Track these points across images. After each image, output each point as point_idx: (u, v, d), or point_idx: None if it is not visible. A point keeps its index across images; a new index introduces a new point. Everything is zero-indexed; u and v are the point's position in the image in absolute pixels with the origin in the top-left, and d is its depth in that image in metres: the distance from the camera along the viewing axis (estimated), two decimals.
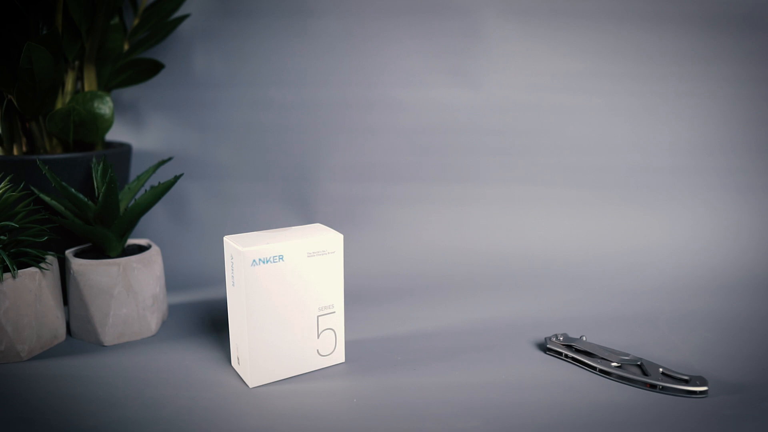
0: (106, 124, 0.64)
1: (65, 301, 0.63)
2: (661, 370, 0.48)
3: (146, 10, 0.73)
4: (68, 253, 0.57)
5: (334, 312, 0.50)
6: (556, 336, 0.54)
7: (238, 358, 0.48)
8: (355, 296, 0.68)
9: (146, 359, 0.52)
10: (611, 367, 0.49)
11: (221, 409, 0.44)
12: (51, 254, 0.55)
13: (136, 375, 0.49)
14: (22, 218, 0.54)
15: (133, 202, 0.63)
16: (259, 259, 0.45)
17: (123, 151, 0.68)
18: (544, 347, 0.55)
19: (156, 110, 0.86)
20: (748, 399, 0.45)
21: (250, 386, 0.47)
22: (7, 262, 0.49)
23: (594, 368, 0.49)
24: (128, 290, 0.55)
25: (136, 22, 0.73)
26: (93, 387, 0.47)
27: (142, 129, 0.87)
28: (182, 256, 0.80)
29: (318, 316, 0.49)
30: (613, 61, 0.79)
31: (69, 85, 0.68)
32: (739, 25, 0.77)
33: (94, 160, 0.61)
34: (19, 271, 0.51)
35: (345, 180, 0.85)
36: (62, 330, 0.56)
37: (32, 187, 0.59)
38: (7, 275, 0.50)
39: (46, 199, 0.58)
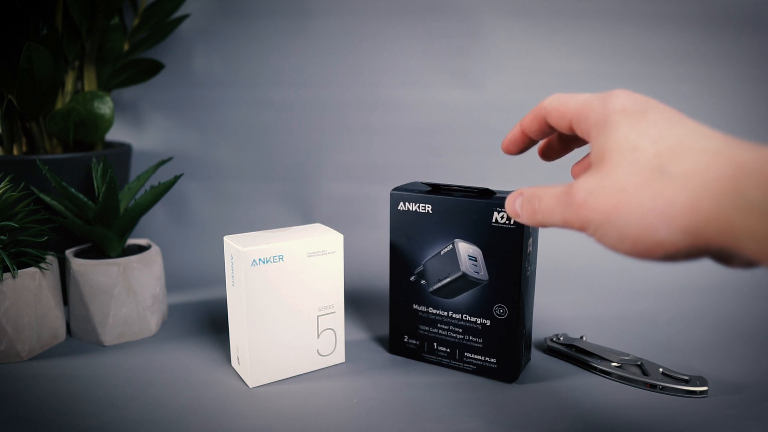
0: (106, 124, 0.64)
1: (65, 301, 0.63)
2: (661, 370, 0.48)
3: (146, 10, 0.73)
4: (68, 253, 0.57)
5: (334, 312, 0.50)
6: (556, 336, 0.54)
7: (238, 358, 0.48)
8: (355, 296, 0.68)
9: (146, 359, 0.52)
10: (611, 367, 0.49)
11: (221, 409, 0.44)
12: (51, 254, 0.55)
13: (136, 375, 0.49)
14: (22, 218, 0.54)
15: (133, 202, 0.63)
16: (259, 259, 0.45)
17: (123, 151, 0.68)
18: (544, 347, 0.55)
19: (156, 110, 0.86)
20: (748, 399, 0.45)
21: (250, 386, 0.47)
22: (7, 262, 0.49)
23: (594, 368, 0.49)
24: (128, 290, 0.55)
25: (136, 22, 0.73)
26: (93, 387, 0.47)
27: (142, 129, 0.87)
28: (182, 256, 0.80)
29: (318, 316, 0.49)
30: (613, 61, 0.79)
31: (69, 85, 0.68)
32: (739, 25, 0.77)
33: (94, 160, 0.61)
34: (19, 271, 0.51)
35: (345, 180, 0.85)
36: (62, 330, 0.56)
37: (32, 187, 0.59)
38: (7, 275, 0.50)
39: (46, 199, 0.58)
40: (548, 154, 0.40)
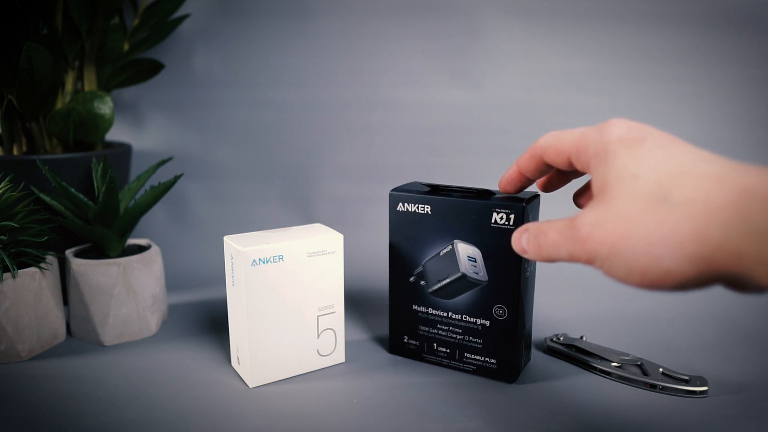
0: (106, 124, 0.64)
1: (65, 301, 0.63)
2: (661, 370, 0.48)
3: (146, 10, 0.73)
4: (68, 253, 0.57)
5: (334, 312, 0.50)
6: (556, 336, 0.54)
7: (238, 358, 0.49)
8: (355, 296, 0.68)
9: (146, 359, 0.52)
10: (611, 367, 0.49)
11: (221, 409, 0.44)
12: (51, 254, 0.55)
13: (136, 375, 0.49)
14: (22, 218, 0.54)
15: (133, 202, 0.63)
16: (259, 259, 0.45)
17: (123, 151, 0.68)
18: (544, 347, 0.55)
19: (156, 110, 0.86)
20: (748, 399, 0.45)
21: (250, 386, 0.47)
22: (7, 262, 0.49)
23: (594, 368, 0.49)
24: (128, 290, 0.55)
25: (136, 22, 0.73)
26: (93, 387, 0.47)
27: (142, 129, 0.87)
28: (182, 256, 0.80)
29: (318, 316, 0.49)
30: (613, 61, 0.79)
31: (69, 85, 0.68)
32: (739, 25, 0.77)
33: (94, 160, 0.61)
34: (19, 271, 0.51)
35: (345, 180, 0.85)
36: (62, 330, 0.56)
37: (32, 187, 0.59)
38: (7, 275, 0.50)
39: (46, 199, 0.58)
40: (548, 188, 0.40)
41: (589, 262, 0.29)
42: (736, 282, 0.26)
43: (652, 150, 0.29)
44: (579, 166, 0.33)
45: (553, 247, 0.32)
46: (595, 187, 0.31)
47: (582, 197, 0.38)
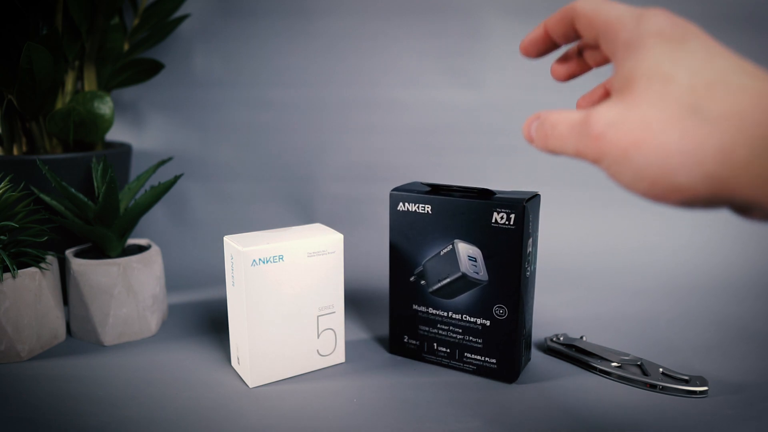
0: (106, 124, 0.64)
1: (65, 301, 0.63)
2: (661, 370, 0.48)
3: (146, 10, 0.73)
4: (68, 253, 0.57)
5: (334, 312, 0.50)
6: (556, 336, 0.54)
7: (238, 358, 0.49)
8: (355, 296, 0.68)
9: (146, 359, 0.52)
10: (611, 367, 0.49)
11: (221, 409, 0.44)
12: (51, 254, 0.55)
13: (136, 375, 0.49)
14: (22, 218, 0.54)
15: (133, 202, 0.63)
16: (259, 259, 0.45)
17: (123, 151, 0.68)
18: (544, 347, 0.55)
19: (156, 110, 0.86)
20: (748, 399, 0.45)
21: (250, 386, 0.47)
22: (7, 262, 0.49)
23: (594, 368, 0.49)
24: (128, 290, 0.55)
25: (136, 22, 0.73)
26: (93, 387, 0.47)
27: (142, 129, 0.87)
28: (182, 256, 0.80)
29: (318, 316, 0.49)
30: None
31: (69, 85, 0.68)
32: (739, 25, 0.77)
33: (94, 160, 0.61)
34: (19, 271, 0.51)
35: (345, 180, 0.85)
36: (62, 330, 0.56)
37: (32, 187, 0.59)
38: (7, 275, 0.50)
39: (46, 199, 0.58)
40: (560, 72, 0.37)
41: (595, 161, 0.28)
42: (747, 207, 0.24)
43: (692, 52, 0.26)
44: (605, 50, 0.30)
45: (560, 140, 0.29)
46: (617, 82, 0.28)
47: (585, 101, 0.35)
